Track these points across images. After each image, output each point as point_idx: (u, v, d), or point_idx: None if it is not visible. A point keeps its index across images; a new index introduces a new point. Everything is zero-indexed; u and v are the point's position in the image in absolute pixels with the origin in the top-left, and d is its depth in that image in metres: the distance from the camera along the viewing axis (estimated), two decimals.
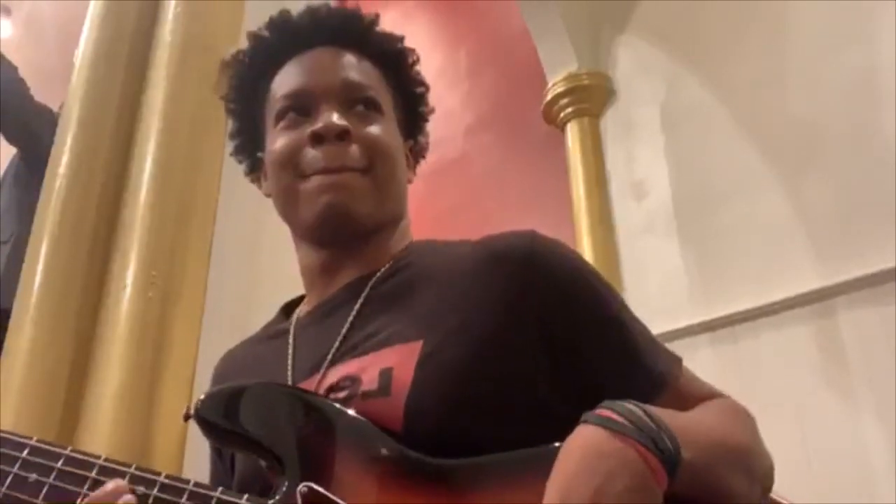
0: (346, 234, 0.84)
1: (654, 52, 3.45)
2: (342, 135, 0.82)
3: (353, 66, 0.88)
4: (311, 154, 0.83)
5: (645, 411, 0.63)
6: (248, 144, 0.94)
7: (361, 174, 0.83)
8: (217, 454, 0.89)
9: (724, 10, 3.17)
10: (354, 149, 0.83)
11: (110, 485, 0.66)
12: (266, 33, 0.91)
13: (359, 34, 0.91)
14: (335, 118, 0.83)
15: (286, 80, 0.88)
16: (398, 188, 0.88)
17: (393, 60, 0.92)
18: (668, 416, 0.65)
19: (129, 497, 0.65)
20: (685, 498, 0.64)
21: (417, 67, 0.94)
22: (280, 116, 0.87)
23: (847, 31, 2.77)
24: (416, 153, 0.96)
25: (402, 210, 0.90)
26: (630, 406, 0.63)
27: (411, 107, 0.94)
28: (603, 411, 0.63)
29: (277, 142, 0.86)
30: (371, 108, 0.86)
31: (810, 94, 2.83)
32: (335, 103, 0.85)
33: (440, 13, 4.54)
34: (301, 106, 0.86)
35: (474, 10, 4.33)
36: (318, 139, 0.83)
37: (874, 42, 2.68)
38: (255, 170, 0.94)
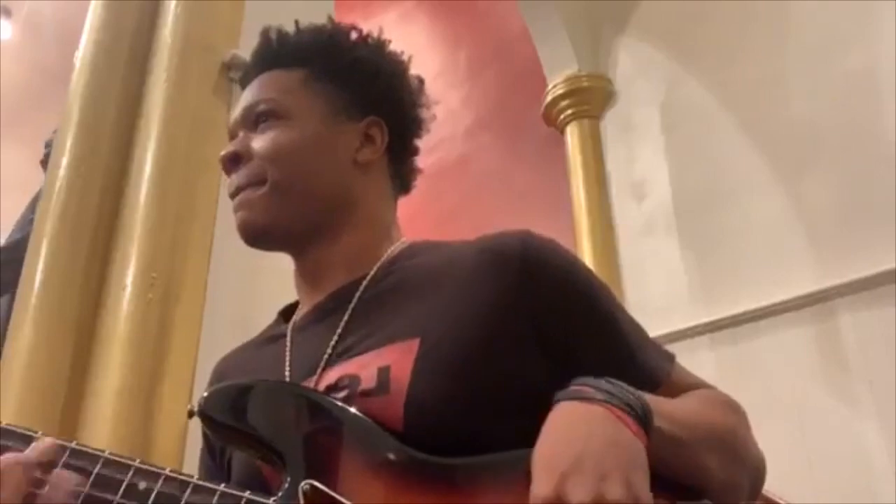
0: (272, 244, 0.88)
1: (654, 54, 3.45)
2: (233, 160, 0.87)
3: (262, 85, 0.91)
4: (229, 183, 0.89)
5: (612, 382, 0.66)
6: None
7: (256, 187, 0.85)
8: (210, 454, 0.89)
9: (724, 11, 3.18)
10: (253, 165, 0.86)
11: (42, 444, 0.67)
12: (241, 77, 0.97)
13: (279, 51, 0.92)
14: (229, 147, 0.88)
15: None
16: (313, 180, 0.86)
17: (319, 51, 0.92)
18: (642, 393, 0.67)
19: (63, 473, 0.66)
20: (666, 474, 0.65)
21: (358, 48, 0.92)
22: None
23: (847, 31, 2.77)
24: (394, 127, 0.92)
25: (334, 198, 0.87)
26: (599, 379, 0.67)
27: (357, 84, 0.91)
28: (572, 387, 0.67)
29: None
30: (270, 118, 0.88)
31: (810, 95, 2.83)
32: (244, 128, 0.89)
33: (439, 14, 4.54)
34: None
35: (474, 10, 4.33)
36: (226, 171, 0.88)
37: (874, 42, 2.68)
38: None
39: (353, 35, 0.93)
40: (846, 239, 2.60)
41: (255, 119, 0.88)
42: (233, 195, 0.87)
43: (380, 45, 0.94)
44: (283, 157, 0.86)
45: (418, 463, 0.68)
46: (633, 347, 0.78)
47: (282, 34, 0.93)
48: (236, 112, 0.91)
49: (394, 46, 0.97)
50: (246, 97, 0.91)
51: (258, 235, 0.86)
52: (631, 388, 0.66)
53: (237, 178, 0.86)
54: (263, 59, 0.93)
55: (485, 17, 4.29)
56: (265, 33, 0.94)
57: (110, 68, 1.75)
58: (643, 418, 0.64)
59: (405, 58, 0.96)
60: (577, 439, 0.61)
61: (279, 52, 0.92)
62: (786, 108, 2.90)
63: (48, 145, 2.65)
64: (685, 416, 0.70)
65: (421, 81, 0.96)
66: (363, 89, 0.91)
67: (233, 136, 0.90)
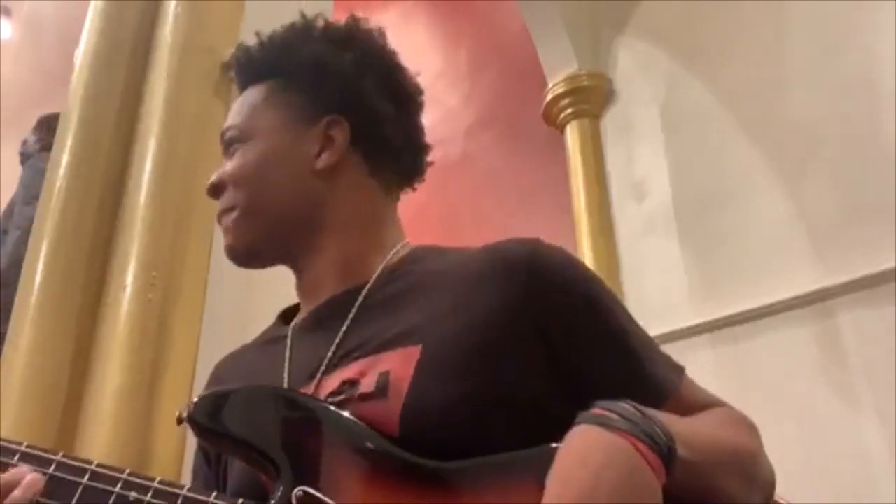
0: (257, 264, 0.90)
1: (654, 53, 3.45)
2: (216, 191, 0.89)
3: (232, 112, 0.92)
4: None
5: (637, 408, 0.64)
6: None
7: (230, 212, 0.87)
8: (206, 460, 0.88)
9: (724, 11, 3.17)
10: (226, 192, 0.88)
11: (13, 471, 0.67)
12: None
13: (248, 69, 0.93)
14: (211, 178, 0.90)
15: None
16: (273, 197, 0.86)
17: (277, 60, 0.90)
18: (664, 417, 0.65)
19: (32, 476, 0.66)
20: (682, 499, 0.64)
21: (312, 48, 0.89)
22: None
23: (847, 31, 2.77)
24: (358, 121, 0.88)
25: (301, 208, 0.86)
26: (623, 404, 0.64)
27: (310, 85, 0.88)
28: (596, 410, 0.64)
29: None
30: (236, 142, 0.89)
31: (810, 95, 2.83)
32: (225, 157, 0.91)
33: (440, 13, 4.54)
34: None
35: (474, 10, 4.33)
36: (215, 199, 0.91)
37: (874, 42, 2.68)
38: None
39: (312, 31, 0.90)
40: (846, 238, 2.60)
41: (228, 146, 0.90)
42: (218, 221, 0.90)
43: (344, 35, 0.90)
44: (243, 179, 0.87)
45: (412, 467, 0.67)
46: (641, 359, 0.76)
47: (249, 50, 0.92)
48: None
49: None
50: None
51: (240, 258, 0.88)
52: (656, 417, 0.64)
53: (219, 205, 0.89)
54: (239, 79, 0.94)
55: (485, 17, 4.29)
56: (237, 51, 0.94)
57: (110, 68, 1.75)
58: (665, 452, 0.61)
59: (377, 36, 0.91)
60: (592, 469, 0.59)
61: (248, 68, 0.93)
62: (786, 109, 2.90)
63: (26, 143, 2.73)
64: (705, 442, 0.68)
65: (394, 55, 0.91)
66: (316, 89, 0.88)
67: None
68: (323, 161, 0.86)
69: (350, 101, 0.88)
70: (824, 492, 2.26)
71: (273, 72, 0.90)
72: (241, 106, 0.91)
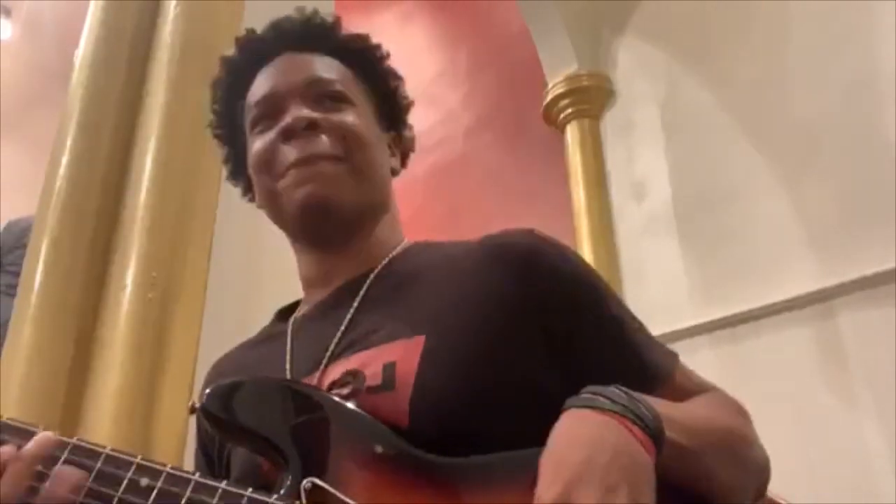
0: (330, 225, 0.84)
1: (655, 53, 3.45)
2: (311, 125, 0.83)
3: (318, 64, 0.89)
4: (284, 150, 0.84)
5: (625, 392, 0.66)
6: (239, 166, 0.95)
7: (336, 162, 0.83)
8: (205, 453, 0.89)
9: (725, 10, 3.18)
10: (325, 138, 0.84)
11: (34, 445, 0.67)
12: (235, 54, 0.94)
13: (321, 36, 0.92)
14: (303, 111, 0.84)
15: (256, 90, 0.90)
16: (378, 175, 0.88)
17: (360, 57, 0.93)
18: (652, 400, 0.67)
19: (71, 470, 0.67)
20: (673, 482, 0.65)
21: (387, 62, 0.95)
22: (254, 124, 0.89)
23: (847, 31, 2.77)
24: (404, 145, 0.96)
25: (384, 199, 0.90)
26: (611, 388, 0.66)
27: (387, 99, 0.94)
28: (584, 394, 0.67)
29: (253, 147, 0.88)
30: (340, 100, 0.87)
31: (810, 95, 2.83)
32: (303, 100, 0.86)
33: (440, 14, 4.54)
34: (271, 109, 0.87)
35: (474, 10, 4.33)
36: (288, 134, 0.84)
37: (874, 42, 2.68)
38: (249, 189, 0.95)
39: (379, 48, 0.95)
40: (846, 238, 2.60)
41: (319, 95, 0.87)
42: (301, 162, 0.83)
43: (389, 61, 0.96)
44: (364, 142, 0.86)
45: (421, 461, 0.68)
46: (636, 345, 0.79)
47: (314, 20, 0.92)
48: (286, 78, 0.88)
49: (393, 46, 0.98)
50: (299, 68, 0.89)
51: (328, 210, 0.83)
52: (644, 399, 0.66)
53: (311, 145, 0.83)
54: (301, 37, 0.91)
55: (485, 17, 4.29)
56: (293, 15, 0.93)
57: (110, 68, 1.75)
58: (654, 431, 0.63)
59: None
60: (585, 448, 0.61)
61: (319, 37, 0.92)
62: (786, 109, 2.90)
63: None
64: (695, 424, 0.70)
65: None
66: (389, 103, 0.94)
67: (278, 101, 0.87)
68: (394, 163, 0.93)
69: (401, 125, 0.96)
70: (824, 492, 2.26)
71: (351, 61, 0.92)
72: (330, 67, 0.90)
